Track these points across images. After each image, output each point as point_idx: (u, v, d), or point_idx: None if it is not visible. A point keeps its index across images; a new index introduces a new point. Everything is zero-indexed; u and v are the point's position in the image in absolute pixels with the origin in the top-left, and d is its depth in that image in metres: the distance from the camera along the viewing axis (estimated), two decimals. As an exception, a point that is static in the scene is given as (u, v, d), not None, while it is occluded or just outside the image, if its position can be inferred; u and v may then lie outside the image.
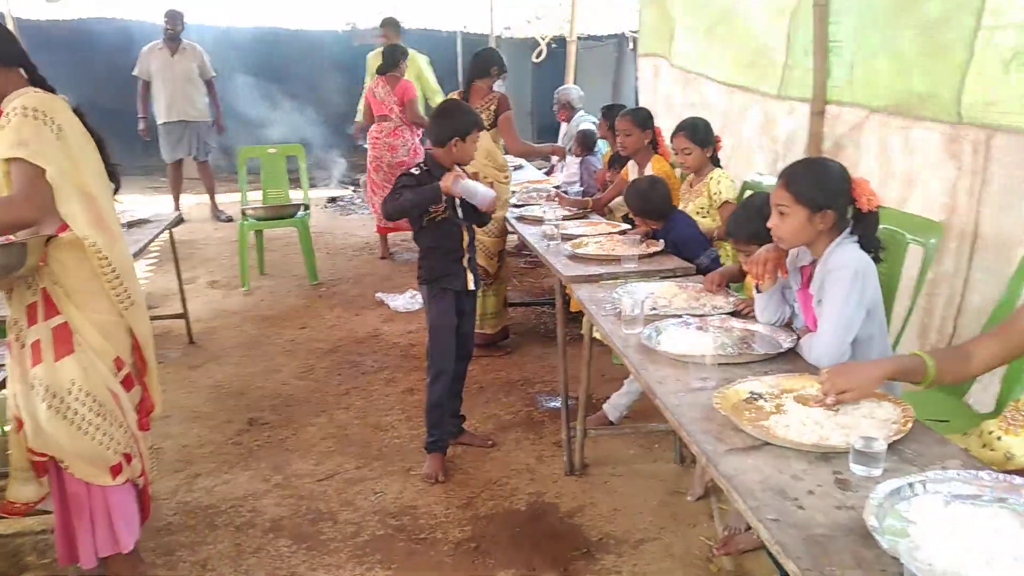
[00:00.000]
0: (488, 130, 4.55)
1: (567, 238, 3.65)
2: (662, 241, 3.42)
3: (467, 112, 3.35)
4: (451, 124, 3.23)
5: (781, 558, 1.37)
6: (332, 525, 3.04)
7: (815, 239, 2.21)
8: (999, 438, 1.87)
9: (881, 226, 2.29)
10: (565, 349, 3.47)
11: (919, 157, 3.35)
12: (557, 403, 3.96)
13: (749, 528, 2.71)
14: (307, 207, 6.54)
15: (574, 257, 3.36)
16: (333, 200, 9.91)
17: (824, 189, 2.16)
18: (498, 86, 4.83)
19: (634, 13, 7.97)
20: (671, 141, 3.90)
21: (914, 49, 3.32)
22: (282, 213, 6.33)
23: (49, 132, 2.15)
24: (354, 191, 10.46)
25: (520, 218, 4.38)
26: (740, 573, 2.66)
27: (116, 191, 2.46)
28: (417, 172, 3.24)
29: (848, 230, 2.20)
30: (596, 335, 3.32)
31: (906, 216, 2.94)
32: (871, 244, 2.22)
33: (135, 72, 7.90)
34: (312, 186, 8.01)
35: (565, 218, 4.24)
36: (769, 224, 2.24)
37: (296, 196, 7.00)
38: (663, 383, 2.08)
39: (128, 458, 2.36)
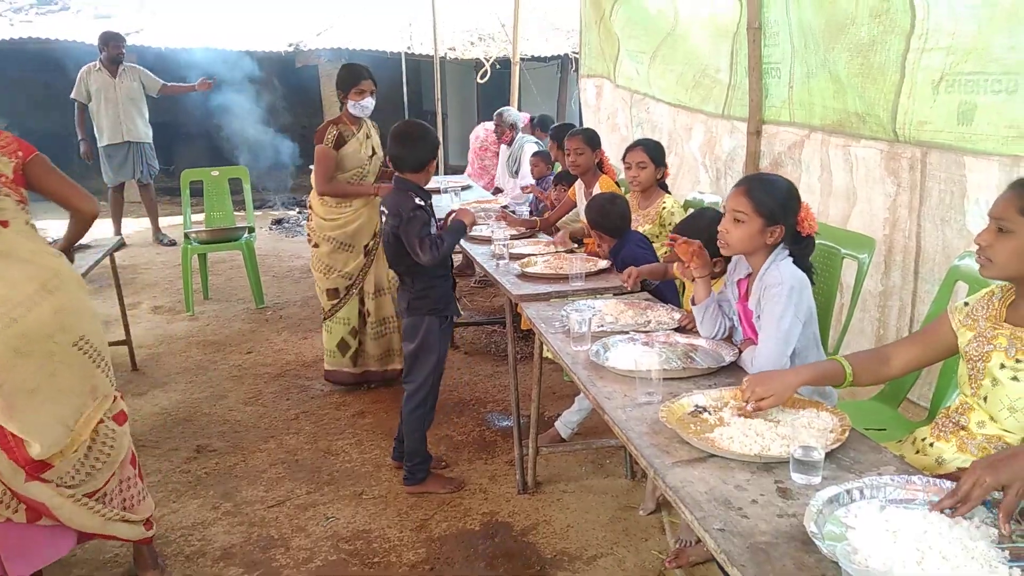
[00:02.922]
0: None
1: (515, 257, 3.69)
2: (604, 263, 3.48)
3: (430, 130, 3.34)
4: (426, 147, 3.23)
5: (727, 566, 1.42)
6: (284, 551, 3.00)
7: (758, 251, 2.28)
8: (931, 444, 1.96)
9: (817, 242, 2.40)
10: (516, 367, 3.50)
11: (860, 174, 3.50)
12: (509, 422, 3.98)
13: (699, 541, 2.77)
14: (252, 230, 6.47)
15: (523, 276, 3.40)
16: (278, 222, 9.80)
17: (782, 205, 2.25)
18: (356, 107, 4.19)
19: (577, 35, 8.11)
20: (625, 156, 3.95)
21: (850, 70, 3.47)
22: (226, 236, 6.24)
23: None
24: (299, 213, 10.37)
25: (469, 238, 4.41)
26: (691, 584, 2.70)
27: None
28: (422, 205, 3.20)
29: (782, 247, 2.28)
30: (547, 353, 3.37)
31: (840, 232, 3.06)
32: (804, 265, 2.31)
33: (73, 95, 7.74)
34: (256, 208, 7.93)
35: (513, 237, 4.28)
36: (721, 228, 2.30)
37: (240, 218, 6.92)
38: (611, 398, 2.13)
39: None
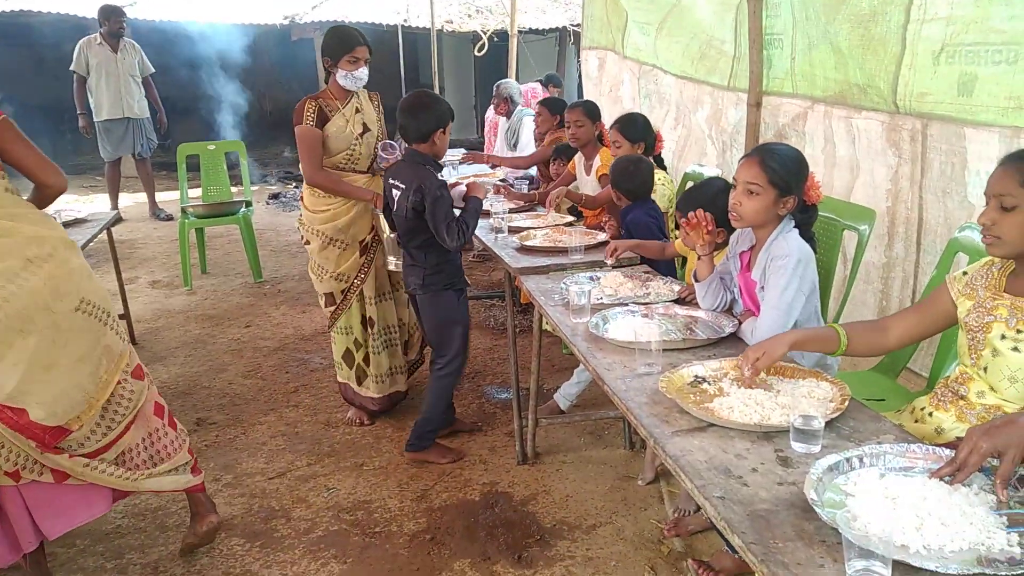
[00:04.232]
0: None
1: (514, 231, 3.68)
2: (604, 235, 3.47)
3: (440, 100, 3.25)
4: (431, 116, 3.14)
5: (727, 533, 1.43)
6: (285, 522, 3.02)
7: (768, 223, 2.27)
8: (930, 414, 1.97)
9: (818, 213, 2.39)
10: (515, 340, 3.50)
11: (862, 146, 3.48)
12: (508, 394, 4.00)
13: (698, 509, 2.79)
14: (249, 204, 6.45)
15: (522, 249, 3.39)
16: (275, 197, 9.77)
17: (794, 174, 2.24)
18: (347, 79, 3.55)
19: (576, 7, 8.06)
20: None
21: (850, 42, 3.44)
22: (223, 210, 6.22)
23: None
24: (296, 187, 10.33)
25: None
26: (690, 553, 2.73)
27: None
28: (445, 183, 3.17)
29: (788, 218, 2.28)
30: (546, 326, 3.37)
31: (841, 203, 3.05)
32: (808, 235, 2.31)
33: (72, 67, 7.66)
34: (253, 183, 7.90)
35: (511, 211, 4.27)
36: (732, 201, 2.28)
37: (237, 193, 6.89)
38: (611, 369, 2.13)
39: (14, 475, 2.31)
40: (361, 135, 3.61)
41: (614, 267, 3.07)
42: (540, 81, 7.99)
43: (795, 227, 2.30)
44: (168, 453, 2.66)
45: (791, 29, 3.92)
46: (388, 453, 3.52)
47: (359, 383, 3.83)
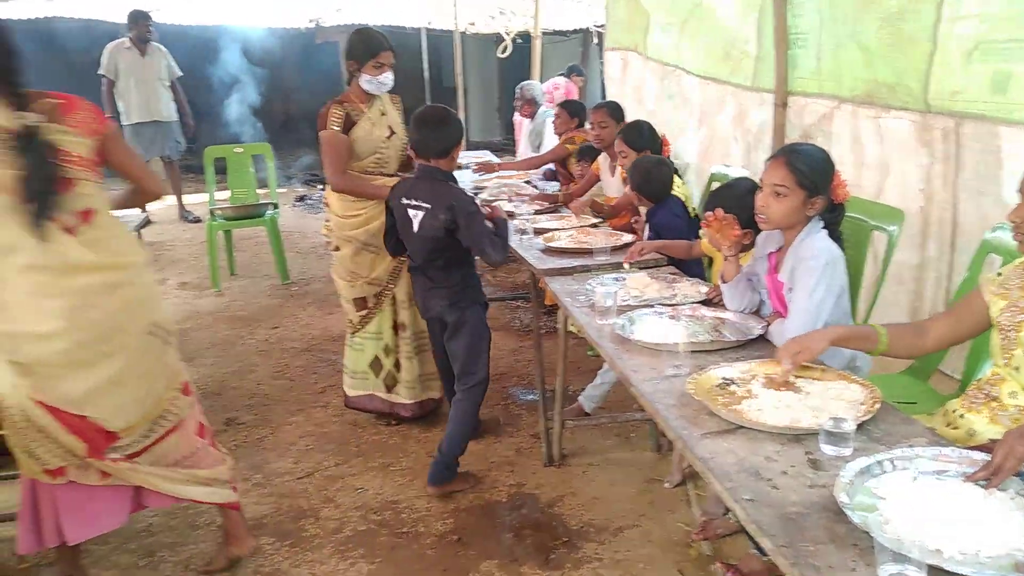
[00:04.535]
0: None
1: (539, 232, 3.69)
2: (639, 235, 3.47)
3: (456, 115, 3.18)
4: (452, 131, 3.07)
5: (757, 536, 1.42)
6: (314, 522, 3.05)
7: (796, 224, 2.26)
8: (962, 416, 1.95)
9: (846, 214, 2.37)
10: (540, 342, 3.51)
11: (892, 146, 3.44)
12: (533, 396, 4.00)
13: (726, 513, 2.78)
14: (276, 206, 6.51)
15: (547, 250, 3.39)
16: (301, 199, 9.85)
17: (822, 175, 2.22)
18: (371, 83, 3.49)
19: (599, 8, 8.06)
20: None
21: (879, 40, 3.41)
22: (251, 212, 6.28)
23: None
24: (321, 189, 10.41)
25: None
26: (718, 556, 2.72)
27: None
28: (471, 196, 3.16)
29: (817, 218, 2.26)
30: (571, 328, 3.37)
31: (869, 204, 3.03)
32: (835, 234, 2.29)
33: (101, 71, 7.77)
34: (279, 185, 7.96)
35: (536, 212, 4.28)
36: (760, 203, 2.27)
37: (264, 195, 6.95)
38: (638, 371, 2.13)
39: (56, 472, 2.35)
40: (388, 138, 3.58)
41: (640, 268, 3.06)
42: (563, 74, 8.03)
43: (823, 227, 2.29)
44: (207, 464, 2.65)
45: (817, 28, 3.90)
46: (415, 454, 3.54)
47: (389, 390, 3.75)
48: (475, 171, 5.74)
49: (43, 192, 2.17)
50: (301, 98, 13.57)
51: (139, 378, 2.41)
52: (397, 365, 3.74)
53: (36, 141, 2.15)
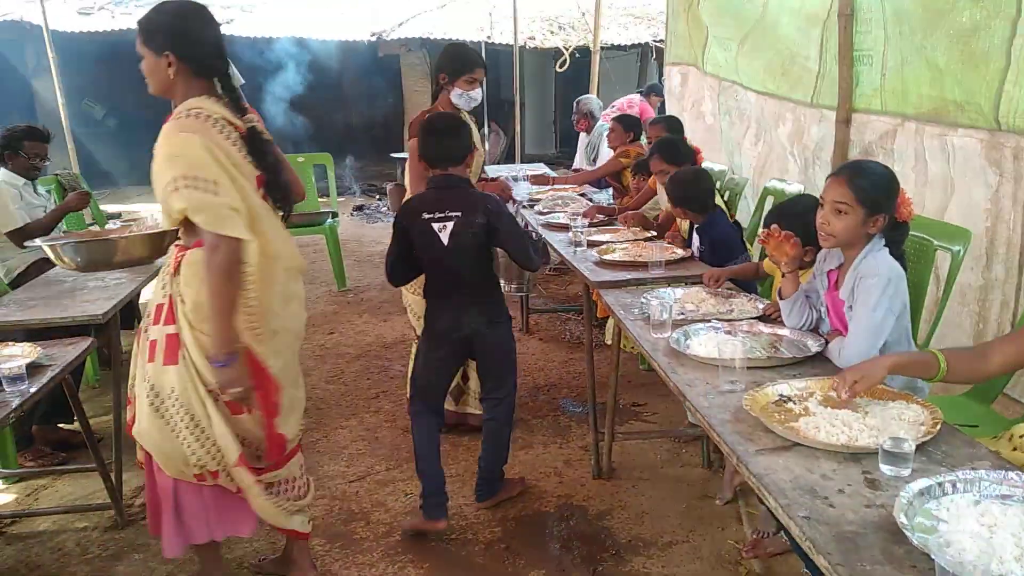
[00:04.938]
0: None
1: (593, 244, 3.69)
2: (690, 249, 3.45)
3: (464, 120, 3.14)
4: (467, 136, 3.01)
5: (812, 554, 1.40)
6: (365, 525, 3.10)
7: (857, 242, 2.23)
8: (1029, 441, 1.89)
9: (910, 233, 2.33)
10: (592, 354, 3.51)
11: (958, 164, 3.37)
12: (582, 408, 4.00)
13: (778, 531, 2.74)
14: (335, 215, 6.64)
15: (601, 263, 3.40)
16: (359, 208, 10.03)
17: (884, 193, 2.19)
18: (461, 98, 3.53)
19: (659, 24, 8.06)
20: (649, 165, 3.84)
21: (948, 57, 3.34)
22: (310, 221, 6.42)
23: None
24: (379, 199, 10.58)
25: (546, 225, 4.43)
26: (769, 575, 2.68)
27: None
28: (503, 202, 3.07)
29: (879, 236, 2.23)
30: (624, 346, 3.36)
31: (934, 223, 2.97)
32: (898, 252, 2.25)
33: None
34: (339, 195, 8.13)
35: (591, 225, 4.28)
36: (821, 220, 2.23)
37: (324, 204, 7.10)
38: (692, 386, 2.12)
39: (204, 476, 2.35)
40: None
41: (694, 283, 3.05)
42: (640, 92, 8.05)
43: (885, 245, 2.25)
44: (302, 493, 2.64)
45: (882, 46, 3.84)
46: (464, 461, 3.56)
47: (456, 402, 3.73)
48: (531, 183, 5.78)
49: (285, 193, 2.36)
50: (361, 109, 13.84)
51: (292, 384, 2.48)
52: (465, 376, 3.72)
53: (262, 141, 2.29)
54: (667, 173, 3.70)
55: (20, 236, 4.03)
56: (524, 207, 4.91)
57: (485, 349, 3.08)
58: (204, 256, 2.14)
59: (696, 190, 3.43)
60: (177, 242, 2.35)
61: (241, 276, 2.16)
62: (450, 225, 2.86)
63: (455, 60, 3.54)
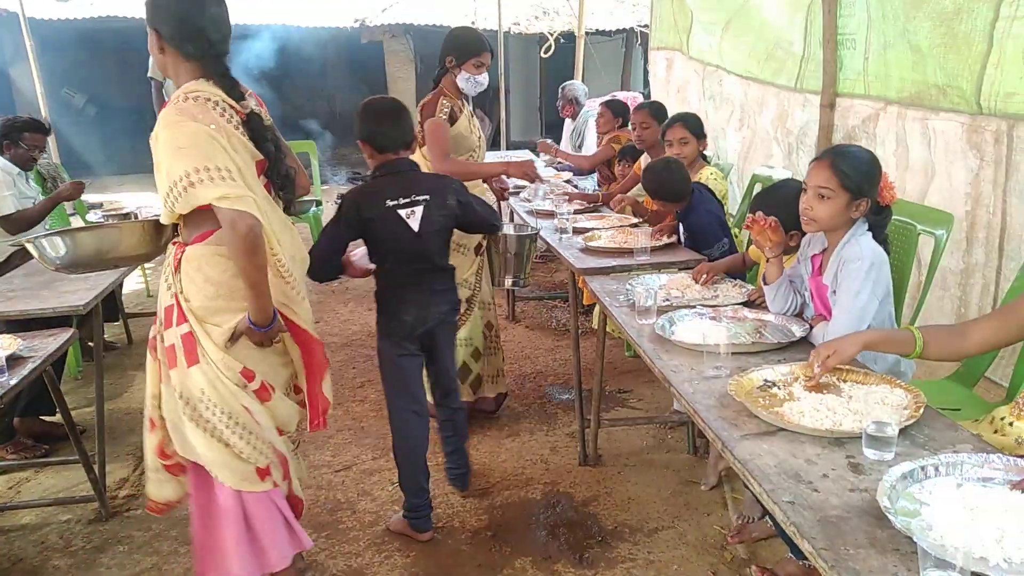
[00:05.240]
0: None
1: (579, 231, 3.68)
2: (674, 236, 3.45)
3: (405, 105, 2.95)
4: (410, 120, 2.86)
5: (796, 539, 1.41)
6: (351, 514, 3.09)
7: (840, 226, 2.23)
8: (1011, 424, 1.90)
9: (892, 217, 2.33)
10: (578, 341, 3.51)
11: (939, 148, 3.38)
12: (569, 395, 4.00)
13: (763, 516, 2.76)
14: (319, 203, 6.59)
15: (587, 250, 3.39)
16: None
17: (867, 177, 2.19)
18: (468, 82, 3.49)
19: (643, 8, 8.02)
20: (665, 133, 3.75)
21: (931, 41, 3.35)
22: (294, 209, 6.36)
23: None
24: (364, 187, 10.52)
25: (531, 212, 4.41)
26: (754, 560, 2.69)
27: None
28: None
29: (862, 221, 2.23)
30: (609, 329, 3.37)
31: (917, 207, 2.97)
32: (881, 237, 2.26)
33: (150, 73, 7.93)
34: (323, 182, 8.07)
35: (576, 212, 4.27)
36: (804, 205, 2.24)
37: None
38: (677, 372, 2.12)
39: (264, 472, 2.29)
40: (479, 139, 3.62)
41: (680, 269, 3.04)
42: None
43: (868, 230, 2.26)
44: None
45: (865, 29, 3.84)
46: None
47: (475, 391, 3.70)
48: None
49: (286, 181, 2.32)
50: (345, 97, 13.74)
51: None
52: (483, 364, 3.72)
53: (264, 126, 2.23)
54: (686, 141, 3.67)
55: (9, 224, 4.02)
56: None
57: (443, 342, 2.98)
58: (225, 236, 2.09)
59: (668, 179, 3.39)
60: (175, 239, 2.30)
61: (264, 247, 2.13)
62: (419, 210, 2.74)
63: (463, 42, 3.46)
